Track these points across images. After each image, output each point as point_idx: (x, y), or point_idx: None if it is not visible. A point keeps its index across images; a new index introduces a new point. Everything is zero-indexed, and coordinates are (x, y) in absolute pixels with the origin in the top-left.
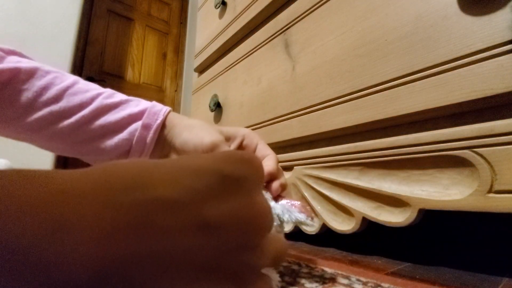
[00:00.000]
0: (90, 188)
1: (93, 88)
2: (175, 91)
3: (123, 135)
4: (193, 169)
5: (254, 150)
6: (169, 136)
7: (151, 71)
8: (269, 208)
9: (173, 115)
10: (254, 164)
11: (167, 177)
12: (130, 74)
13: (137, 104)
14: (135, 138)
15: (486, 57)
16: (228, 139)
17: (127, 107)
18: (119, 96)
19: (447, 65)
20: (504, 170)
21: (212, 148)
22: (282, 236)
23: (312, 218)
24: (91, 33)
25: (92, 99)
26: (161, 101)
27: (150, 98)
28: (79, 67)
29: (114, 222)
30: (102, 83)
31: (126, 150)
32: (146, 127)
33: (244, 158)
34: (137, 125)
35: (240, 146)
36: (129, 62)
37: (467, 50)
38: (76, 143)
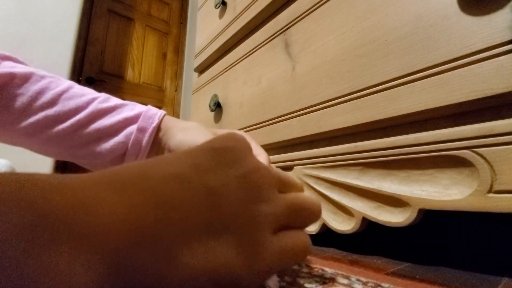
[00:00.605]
0: (104, 179)
1: (88, 92)
2: (175, 91)
3: (119, 138)
4: (192, 150)
5: None
6: (164, 139)
7: (151, 71)
8: (263, 165)
9: (168, 118)
10: (237, 136)
11: (174, 159)
12: (130, 74)
13: (132, 108)
14: (130, 141)
15: (486, 57)
16: None
17: (123, 111)
18: (114, 101)
19: (447, 65)
20: (504, 170)
21: None
22: (303, 195)
23: None
24: (91, 33)
25: (88, 103)
26: (161, 101)
27: (150, 98)
28: (79, 67)
29: (137, 201)
30: (102, 83)
31: (121, 153)
32: (141, 130)
33: (229, 134)
34: (133, 128)
35: None
36: (129, 62)
37: (467, 50)
38: (71, 147)
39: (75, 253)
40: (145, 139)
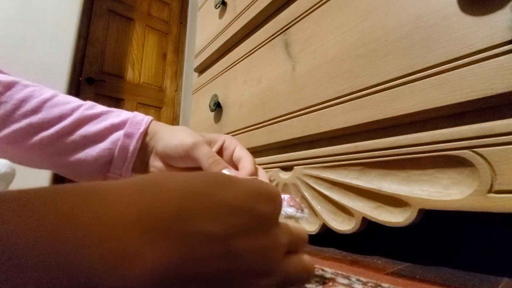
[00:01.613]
0: (143, 215)
1: (73, 100)
2: (175, 91)
3: (105, 144)
4: (229, 205)
5: (232, 153)
6: (151, 143)
7: (151, 71)
8: (282, 239)
9: (155, 123)
10: (278, 200)
11: (207, 211)
12: (130, 74)
13: (118, 115)
14: (117, 148)
15: (486, 57)
16: (209, 142)
17: (108, 117)
18: (99, 108)
19: (447, 65)
20: (504, 170)
21: (192, 146)
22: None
23: (302, 210)
24: (91, 33)
25: (73, 110)
26: (161, 101)
27: (150, 98)
28: (79, 67)
29: (165, 251)
30: (102, 83)
31: (107, 160)
32: (128, 135)
33: (271, 195)
34: (119, 134)
35: (221, 149)
36: (129, 62)
37: (467, 50)
38: (55, 155)
39: None
40: (133, 144)
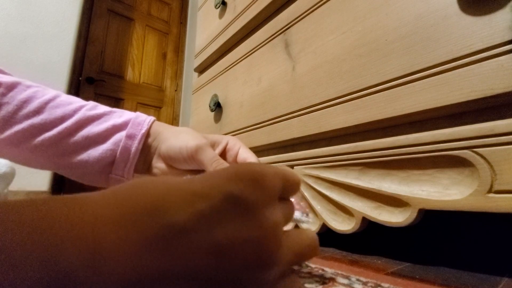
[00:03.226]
0: (117, 214)
1: (75, 101)
2: (175, 91)
3: (107, 145)
4: (204, 193)
5: (236, 154)
6: (154, 144)
7: (151, 71)
8: (279, 222)
9: (158, 124)
10: (263, 180)
11: (179, 202)
12: (130, 74)
13: (120, 115)
14: (119, 149)
15: (486, 57)
16: (213, 144)
17: (111, 118)
18: (102, 108)
19: (447, 65)
20: (504, 170)
21: (197, 149)
22: (305, 236)
23: (307, 214)
24: (91, 33)
25: (75, 111)
26: (161, 101)
27: (150, 98)
28: (79, 67)
29: (140, 246)
30: (102, 82)
31: (110, 161)
32: (130, 137)
33: (253, 176)
34: (121, 135)
35: (224, 151)
36: (129, 62)
37: (467, 50)
38: (57, 156)
39: None
40: (134, 145)
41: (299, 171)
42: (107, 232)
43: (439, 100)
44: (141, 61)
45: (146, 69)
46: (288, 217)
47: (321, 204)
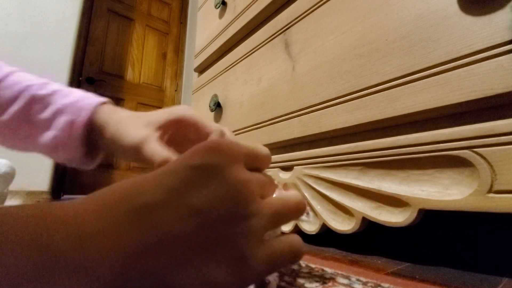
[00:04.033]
0: (95, 203)
1: (24, 79)
2: (175, 91)
3: (53, 132)
4: (169, 171)
5: (197, 128)
6: (100, 130)
7: (151, 71)
8: (249, 178)
9: (104, 109)
10: (220, 148)
11: (150, 184)
12: (130, 74)
13: (66, 95)
14: (61, 135)
15: (486, 57)
16: (163, 127)
17: (55, 101)
18: (50, 87)
19: (447, 65)
20: (504, 170)
21: (140, 145)
22: (285, 194)
23: (307, 214)
24: (91, 33)
25: (20, 92)
26: (161, 101)
27: (150, 98)
28: (79, 67)
29: (119, 224)
30: (102, 82)
31: (55, 147)
32: (71, 123)
33: (210, 146)
34: (63, 120)
35: (181, 126)
36: (129, 62)
37: (467, 50)
38: (18, 139)
39: (74, 286)
40: (75, 133)
41: (299, 171)
42: (87, 218)
43: (439, 100)
44: (141, 61)
45: (146, 69)
46: (265, 186)
47: (321, 204)
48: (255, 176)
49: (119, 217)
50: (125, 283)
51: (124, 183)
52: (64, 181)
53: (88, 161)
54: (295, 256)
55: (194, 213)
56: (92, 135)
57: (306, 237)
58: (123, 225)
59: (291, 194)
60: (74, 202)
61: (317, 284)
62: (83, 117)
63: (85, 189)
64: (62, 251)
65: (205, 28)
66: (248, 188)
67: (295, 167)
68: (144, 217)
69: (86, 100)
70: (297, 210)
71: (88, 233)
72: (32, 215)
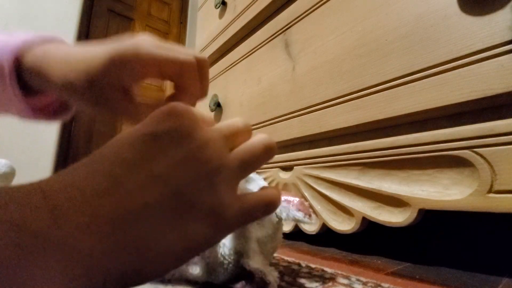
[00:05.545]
0: (61, 185)
1: None
2: None
3: None
4: (127, 143)
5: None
6: (35, 71)
7: None
8: (209, 136)
9: (41, 50)
10: (175, 112)
11: (111, 158)
12: None
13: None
14: None
15: (486, 57)
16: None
17: None
18: None
19: (447, 65)
20: (504, 170)
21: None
22: (257, 139)
23: (310, 216)
24: (91, 33)
25: None
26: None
27: (150, 98)
28: None
29: (87, 198)
30: None
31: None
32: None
33: (164, 112)
34: None
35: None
36: None
37: (467, 50)
38: None
39: (55, 263)
40: (5, 75)
41: (299, 171)
42: (58, 196)
43: (439, 100)
44: None
45: None
46: (232, 137)
47: (321, 204)
48: (218, 131)
49: (87, 191)
50: (107, 255)
51: (86, 161)
52: None
53: (39, 112)
54: (269, 207)
55: (158, 181)
56: (27, 76)
57: (306, 237)
58: (94, 201)
59: (258, 137)
60: (36, 181)
61: (317, 284)
62: (7, 54)
63: None
64: (41, 228)
65: (205, 28)
66: (208, 146)
67: (295, 167)
68: (110, 192)
69: (12, 40)
70: (266, 153)
71: (60, 209)
72: (6, 202)
